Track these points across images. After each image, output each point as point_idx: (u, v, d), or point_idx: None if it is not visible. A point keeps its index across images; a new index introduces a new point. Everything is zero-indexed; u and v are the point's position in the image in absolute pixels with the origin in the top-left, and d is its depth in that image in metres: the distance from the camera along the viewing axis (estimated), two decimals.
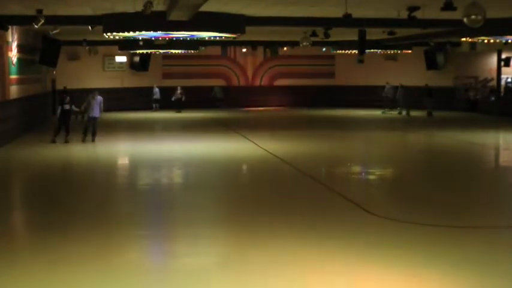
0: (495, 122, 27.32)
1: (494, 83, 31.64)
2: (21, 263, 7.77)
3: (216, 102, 35.46)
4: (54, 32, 22.35)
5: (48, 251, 8.25)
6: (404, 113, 30.63)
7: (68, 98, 19.94)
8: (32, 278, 7.18)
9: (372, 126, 26.80)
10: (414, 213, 10.29)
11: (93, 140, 19.69)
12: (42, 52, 23.51)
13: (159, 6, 15.15)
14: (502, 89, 31.19)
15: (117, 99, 32.63)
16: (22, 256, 8.15)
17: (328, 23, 19.27)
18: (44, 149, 18.21)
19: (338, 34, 22.27)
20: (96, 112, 19.86)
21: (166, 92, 33.18)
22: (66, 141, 19.40)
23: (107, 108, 27.65)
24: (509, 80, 31.13)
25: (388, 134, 23.41)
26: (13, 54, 20.73)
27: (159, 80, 34.93)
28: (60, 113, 19.78)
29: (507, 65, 30.79)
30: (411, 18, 16.19)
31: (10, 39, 20.35)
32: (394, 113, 31.16)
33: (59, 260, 7.78)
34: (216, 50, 34.79)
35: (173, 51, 28.81)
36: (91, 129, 19.86)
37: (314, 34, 22.05)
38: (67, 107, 19.77)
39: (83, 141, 19.60)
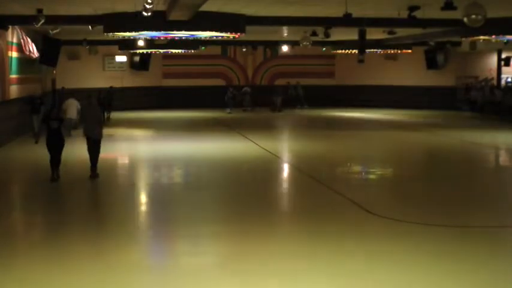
0: (495, 122, 27.28)
1: (494, 82, 31.62)
2: (21, 264, 7.77)
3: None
4: (55, 31, 22.35)
5: (47, 251, 8.24)
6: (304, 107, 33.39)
7: (55, 110, 14.16)
8: (31, 279, 7.18)
9: (372, 125, 26.76)
10: (414, 212, 10.29)
11: (92, 175, 13.23)
12: (42, 52, 23.50)
13: (159, 6, 15.15)
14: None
15: (118, 99, 32.56)
16: (21, 256, 8.14)
17: (328, 22, 19.27)
18: (44, 149, 18.13)
19: (338, 34, 22.27)
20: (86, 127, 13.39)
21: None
22: (53, 179, 12.82)
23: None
24: (509, 79, 31.11)
25: (387, 134, 23.37)
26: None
27: (160, 80, 34.92)
28: (46, 136, 13.06)
29: (507, 64, 30.77)
30: (411, 18, 16.19)
31: (11, 39, 20.36)
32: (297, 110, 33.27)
33: (59, 260, 7.78)
34: (216, 50, 34.80)
35: (173, 50, 28.82)
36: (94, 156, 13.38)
37: (314, 34, 22.05)
38: (55, 125, 12.88)
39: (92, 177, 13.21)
